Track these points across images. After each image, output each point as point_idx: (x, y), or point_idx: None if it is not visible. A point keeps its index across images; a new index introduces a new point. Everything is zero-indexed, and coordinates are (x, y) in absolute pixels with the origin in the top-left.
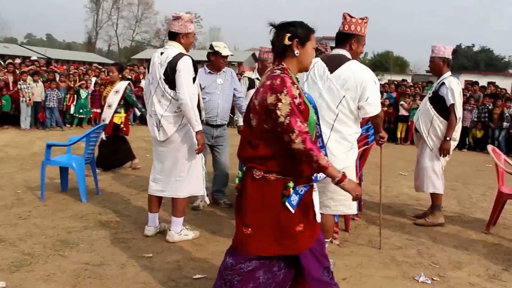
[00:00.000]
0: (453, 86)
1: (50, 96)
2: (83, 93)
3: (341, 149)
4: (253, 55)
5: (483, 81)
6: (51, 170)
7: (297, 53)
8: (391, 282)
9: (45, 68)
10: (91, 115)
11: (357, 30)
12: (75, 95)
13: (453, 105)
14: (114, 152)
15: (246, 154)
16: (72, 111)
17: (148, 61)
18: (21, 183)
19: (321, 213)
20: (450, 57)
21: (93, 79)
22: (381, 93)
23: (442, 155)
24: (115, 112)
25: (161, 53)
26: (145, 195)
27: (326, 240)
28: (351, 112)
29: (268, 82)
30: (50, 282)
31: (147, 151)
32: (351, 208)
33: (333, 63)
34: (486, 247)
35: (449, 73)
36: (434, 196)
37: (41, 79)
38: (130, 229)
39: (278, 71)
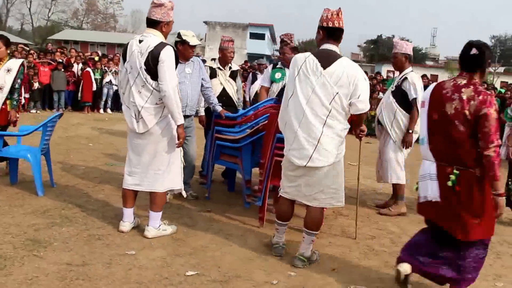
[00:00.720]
0: (416, 81)
1: None
2: None
3: (333, 144)
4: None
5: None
6: None
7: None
8: (377, 271)
9: None
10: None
11: (343, 26)
12: None
13: (415, 99)
14: None
15: (462, 156)
16: None
17: (66, 42)
18: None
19: (311, 206)
20: (411, 53)
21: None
22: None
23: (405, 147)
24: (8, 97)
25: (140, 41)
26: (104, 187)
27: (315, 232)
28: (343, 109)
29: (481, 98)
30: (36, 286)
31: (88, 139)
32: (340, 200)
33: (326, 59)
34: None
35: (410, 68)
36: (398, 187)
37: None
38: (101, 225)
39: (481, 88)
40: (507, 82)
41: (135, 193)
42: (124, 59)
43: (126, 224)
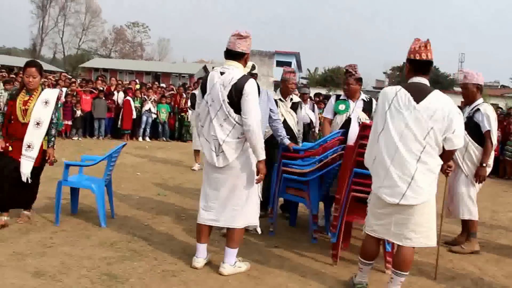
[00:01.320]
0: (489, 113)
1: None
2: None
3: (427, 181)
4: (204, 67)
5: None
6: (50, 190)
7: None
8: None
9: (13, 76)
10: (63, 128)
11: (432, 58)
12: None
13: (489, 131)
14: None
15: None
16: None
17: (96, 70)
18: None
19: (402, 246)
20: (483, 83)
21: (64, 90)
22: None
23: (478, 182)
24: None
25: (221, 73)
26: (163, 219)
27: (405, 273)
28: (437, 144)
29: None
30: None
31: (134, 168)
32: (432, 239)
33: (418, 93)
34: None
35: (481, 99)
36: (470, 223)
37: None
38: (172, 260)
39: None
40: None
41: (210, 228)
42: (204, 91)
43: (200, 260)
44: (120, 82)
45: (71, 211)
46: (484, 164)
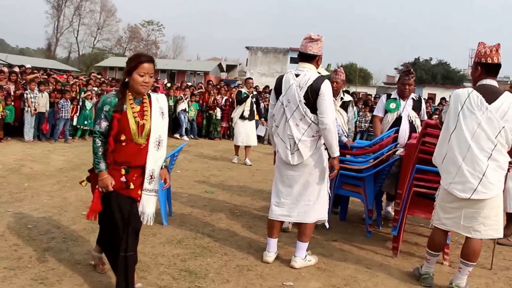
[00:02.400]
0: None
1: (64, 107)
2: (88, 104)
3: (497, 177)
4: (219, 65)
5: (445, 94)
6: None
7: None
8: None
9: (46, 77)
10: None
11: (501, 61)
12: (78, 106)
13: None
14: None
15: None
16: (75, 122)
17: (112, 69)
18: (78, 204)
19: (470, 238)
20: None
21: (95, 89)
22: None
23: None
24: None
25: (296, 75)
26: (220, 216)
27: (473, 263)
28: (507, 142)
29: None
30: None
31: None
32: (500, 232)
33: (490, 95)
34: None
35: None
36: None
37: (47, 90)
38: (242, 255)
39: None
40: None
41: (281, 224)
42: (279, 93)
43: (272, 254)
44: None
45: None
46: None
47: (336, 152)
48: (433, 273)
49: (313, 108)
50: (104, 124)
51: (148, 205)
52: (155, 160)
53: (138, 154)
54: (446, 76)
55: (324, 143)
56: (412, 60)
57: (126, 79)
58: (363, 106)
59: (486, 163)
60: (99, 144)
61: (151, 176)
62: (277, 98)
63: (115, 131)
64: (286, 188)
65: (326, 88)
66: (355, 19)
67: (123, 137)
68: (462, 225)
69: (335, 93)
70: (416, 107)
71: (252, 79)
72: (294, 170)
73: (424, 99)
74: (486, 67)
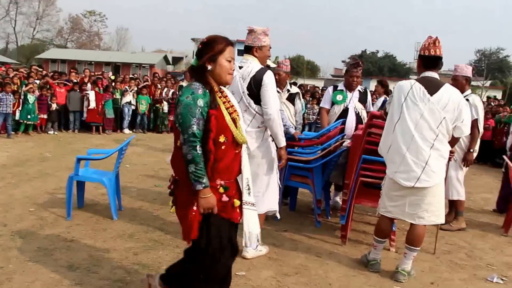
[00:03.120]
0: (477, 103)
1: (4, 101)
2: (31, 98)
3: (439, 166)
4: (165, 57)
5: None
6: (47, 185)
7: None
8: (471, 283)
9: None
10: (38, 121)
11: (441, 53)
12: (20, 100)
13: (476, 120)
14: None
15: None
16: (17, 116)
17: (54, 61)
18: (24, 200)
19: (415, 224)
20: (471, 76)
21: (36, 82)
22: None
23: (465, 166)
24: None
25: (240, 67)
26: (170, 210)
27: (417, 248)
28: (448, 132)
29: None
30: None
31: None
32: (441, 218)
33: (431, 87)
34: None
35: (470, 90)
36: (458, 203)
37: None
38: None
39: None
40: (495, 95)
41: None
42: None
43: None
44: (93, 74)
45: (77, 205)
46: (472, 150)
47: (282, 142)
48: (380, 259)
49: (257, 99)
50: (201, 123)
51: (253, 221)
52: (247, 165)
53: (235, 160)
54: (393, 69)
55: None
56: (359, 52)
57: (209, 67)
58: (310, 99)
59: (429, 152)
60: (200, 152)
61: (248, 185)
62: None
63: (214, 132)
64: None
65: (268, 78)
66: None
67: (222, 139)
68: (407, 212)
69: (280, 85)
70: (363, 99)
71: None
72: None
73: (371, 91)
74: (425, 59)
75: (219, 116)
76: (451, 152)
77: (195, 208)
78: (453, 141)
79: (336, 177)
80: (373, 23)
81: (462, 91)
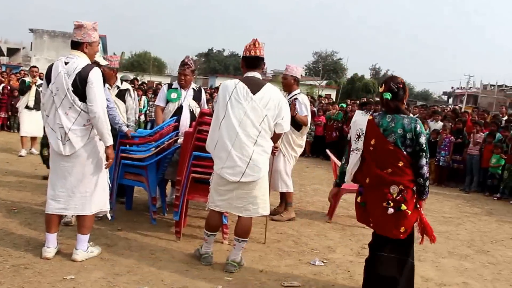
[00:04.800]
0: (306, 102)
1: None
2: None
3: (262, 160)
4: None
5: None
6: None
7: None
8: (297, 268)
9: None
10: None
11: (262, 54)
12: None
13: (306, 116)
14: None
15: None
16: None
17: None
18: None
19: (242, 216)
20: (300, 76)
21: None
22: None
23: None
24: None
25: (66, 63)
26: (6, 214)
27: (245, 239)
28: (270, 129)
29: None
30: None
31: None
32: (266, 209)
33: (254, 86)
34: (338, 233)
35: (299, 89)
36: (287, 194)
37: None
38: (18, 254)
39: None
40: (330, 94)
41: (59, 218)
42: (48, 81)
43: (51, 249)
44: None
45: None
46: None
47: (109, 141)
48: (212, 252)
49: (82, 96)
50: None
51: None
52: None
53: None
54: (238, 67)
55: None
56: (206, 50)
57: None
58: (152, 96)
59: (252, 148)
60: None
61: None
62: (48, 87)
63: None
64: (61, 180)
65: (94, 75)
66: (150, 6)
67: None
68: (234, 206)
69: (109, 82)
70: (197, 97)
71: (37, 67)
72: (67, 161)
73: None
74: (247, 60)
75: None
76: (275, 147)
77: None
78: (276, 137)
79: (172, 174)
80: (219, 23)
81: (291, 90)
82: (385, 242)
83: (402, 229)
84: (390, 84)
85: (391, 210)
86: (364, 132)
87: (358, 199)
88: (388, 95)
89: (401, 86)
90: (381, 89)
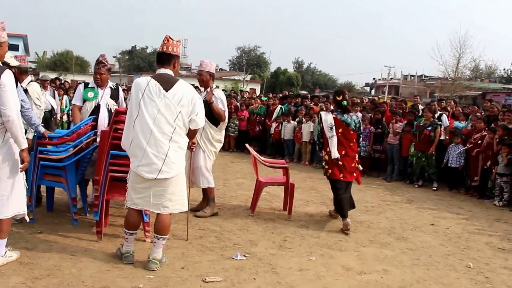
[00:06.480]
0: (222, 97)
1: None
2: None
3: (178, 157)
4: None
5: None
6: None
7: None
8: (219, 263)
9: None
10: None
11: (178, 52)
12: None
13: (224, 111)
14: None
15: None
16: None
17: None
18: None
19: (160, 214)
20: (215, 71)
21: None
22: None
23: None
24: None
25: None
26: None
27: (165, 236)
28: (184, 125)
29: None
30: None
31: None
32: (185, 205)
33: (166, 83)
34: (260, 226)
35: (215, 85)
36: (209, 190)
37: None
38: None
39: None
40: (255, 89)
41: None
42: None
43: None
44: None
45: None
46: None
47: (23, 144)
48: (133, 251)
49: None
50: None
51: None
52: None
53: None
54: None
55: None
56: (129, 48)
57: None
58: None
59: (168, 145)
60: None
61: None
62: None
63: None
64: None
65: (6, 78)
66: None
67: None
68: (152, 203)
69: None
70: (114, 96)
71: None
72: None
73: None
74: (158, 56)
75: None
76: (192, 143)
77: None
78: (191, 133)
79: (92, 173)
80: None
81: (207, 86)
82: (346, 185)
83: (355, 175)
84: (345, 95)
85: (355, 167)
86: (334, 124)
87: (340, 163)
88: (345, 102)
89: (348, 95)
90: (339, 98)
